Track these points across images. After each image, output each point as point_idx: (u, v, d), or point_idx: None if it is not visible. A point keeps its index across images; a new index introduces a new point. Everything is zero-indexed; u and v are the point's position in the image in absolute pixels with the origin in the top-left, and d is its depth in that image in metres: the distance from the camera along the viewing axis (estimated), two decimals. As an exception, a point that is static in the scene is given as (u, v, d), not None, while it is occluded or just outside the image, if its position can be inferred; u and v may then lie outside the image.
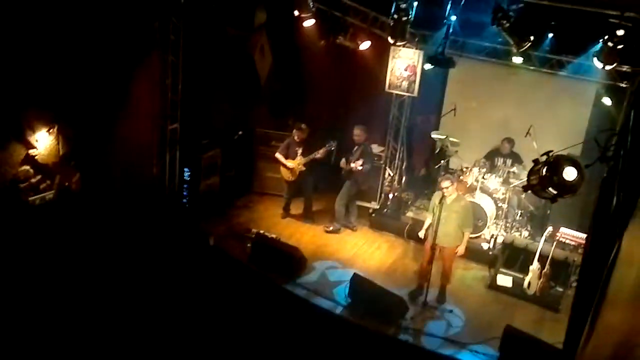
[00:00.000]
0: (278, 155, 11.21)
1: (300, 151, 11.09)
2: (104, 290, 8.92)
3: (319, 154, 10.95)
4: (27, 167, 8.59)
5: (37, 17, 8.03)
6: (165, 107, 10.28)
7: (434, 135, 11.81)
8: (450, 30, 9.56)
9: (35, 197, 8.75)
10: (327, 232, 11.20)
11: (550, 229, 9.55)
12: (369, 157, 11.11)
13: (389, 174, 12.28)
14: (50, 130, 8.79)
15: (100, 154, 9.59)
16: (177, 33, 9.96)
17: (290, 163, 11.12)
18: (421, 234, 9.28)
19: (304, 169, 11.11)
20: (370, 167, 11.03)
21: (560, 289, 9.53)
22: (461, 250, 9.06)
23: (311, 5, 9.85)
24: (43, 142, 8.70)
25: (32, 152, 8.59)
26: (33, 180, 8.71)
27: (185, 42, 10.10)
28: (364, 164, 10.73)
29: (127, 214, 10.07)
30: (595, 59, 8.79)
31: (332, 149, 11.01)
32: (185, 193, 11.28)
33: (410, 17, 9.52)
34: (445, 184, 8.75)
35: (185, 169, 11.15)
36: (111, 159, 9.76)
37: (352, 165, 10.76)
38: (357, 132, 10.91)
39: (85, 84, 8.95)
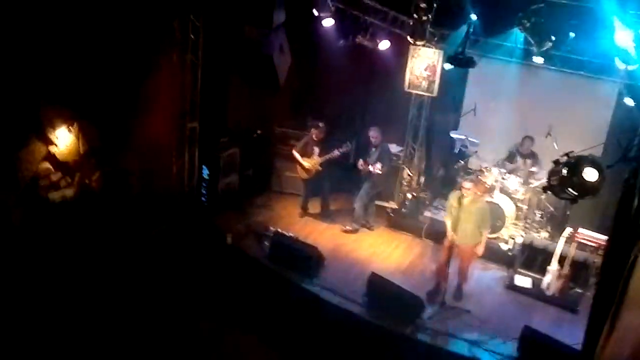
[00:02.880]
0: (295, 152, 11.22)
1: (317, 150, 11.10)
2: (122, 287, 9.02)
3: (335, 154, 10.96)
4: (48, 164, 8.66)
5: (58, 15, 8.10)
6: (184, 106, 10.35)
7: (453, 135, 11.75)
8: (471, 30, 9.51)
9: (56, 194, 8.81)
10: (345, 232, 11.20)
11: (569, 229, 9.47)
12: (388, 158, 11.07)
13: (408, 174, 12.25)
14: (71, 128, 8.86)
15: (120, 152, 9.66)
16: (197, 32, 10.03)
17: (306, 162, 11.13)
18: (450, 236, 9.03)
19: (320, 168, 11.12)
20: (386, 168, 10.97)
21: (580, 290, 9.45)
22: (480, 250, 9.03)
23: (330, 5, 9.85)
24: (63, 139, 8.77)
25: (52, 149, 8.65)
26: (53, 177, 8.78)
27: (204, 42, 10.16)
28: (383, 166, 10.72)
29: (147, 212, 10.14)
30: (617, 59, 8.72)
31: (349, 150, 11.01)
32: (204, 191, 11.33)
33: (430, 16, 9.50)
34: (467, 185, 8.73)
35: (204, 167, 11.21)
36: (131, 157, 9.83)
37: (371, 168, 10.74)
38: (373, 134, 10.88)
39: (106, 82, 9.02)
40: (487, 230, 9.11)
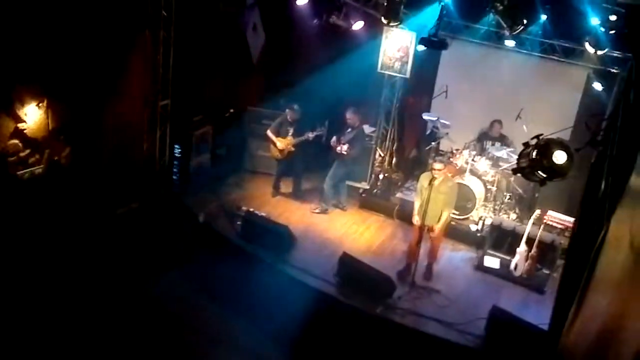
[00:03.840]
0: (269, 132, 11.19)
1: (291, 131, 11.08)
2: (92, 265, 8.98)
3: (309, 137, 10.96)
4: (16, 141, 8.54)
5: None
6: (156, 83, 10.26)
7: (425, 117, 11.82)
8: (444, 12, 9.54)
9: (24, 171, 8.71)
10: (314, 212, 11.23)
11: (538, 212, 9.60)
12: (360, 141, 11.07)
13: (380, 155, 12.31)
14: (40, 104, 8.73)
15: (90, 128, 9.55)
16: (169, 9, 9.91)
17: (280, 143, 11.11)
18: (415, 220, 9.20)
19: (293, 149, 11.10)
20: (358, 152, 10.98)
21: (547, 272, 9.60)
22: (438, 228, 9.09)
23: (305, -16, 9.82)
24: (32, 116, 8.64)
25: (21, 125, 8.53)
26: (22, 154, 8.66)
27: (177, 18, 10.05)
28: (351, 148, 10.71)
29: (117, 190, 10.08)
30: (587, 43, 8.83)
31: (322, 133, 11.02)
32: (175, 170, 11.27)
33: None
34: (437, 166, 8.80)
35: (176, 146, 11.14)
36: (101, 134, 9.73)
37: (338, 148, 10.76)
38: (350, 116, 10.85)
39: (76, 58, 8.89)
40: (450, 211, 9.21)
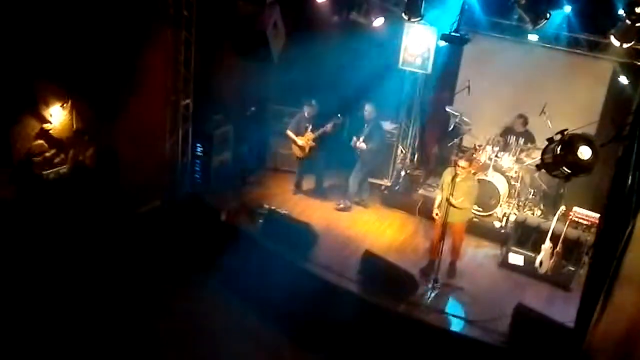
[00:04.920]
0: (288, 131, 11.23)
1: (310, 127, 11.07)
2: (117, 264, 9.03)
3: (327, 128, 10.95)
4: (42, 141, 8.63)
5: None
6: (177, 83, 10.29)
7: (448, 109, 11.68)
8: (466, 7, 9.45)
9: (50, 171, 8.79)
10: (338, 209, 11.20)
11: (563, 208, 9.50)
12: (379, 134, 11.04)
13: (401, 151, 12.25)
14: (64, 105, 8.81)
15: (113, 128, 9.61)
16: (190, 8, 9.93)
17: (300, 140, 11.12)
18: (435, 214, 9.22)
19: (314, 144, 11.10)
20: (377, 145, 10.95)
21: (572, 268, 9.48)
22: (459, 225, 9.15)
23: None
24: (57, 116, 8.73)
25: (46, 126, 8.62)
26: (47, 154, 8.75)
27: (198, 18, 10.07)
28: (367, 141, 10.70)
29: (140, 189, 10.12)
30: (612, 36, 8.69)
31: (339, 123, 11.00)
32: (197, 168, 11.32)
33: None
34: (462, 163, 8.72)
35: (198, 145, 11.18)
36: (124, 134, 9.78)
37: (351, 143, 10.78)
38: (367, 109, 10.86)
39: (99, 58, 8.94)
40: (470, 207, 9.20)
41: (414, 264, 9.36)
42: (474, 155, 11.05)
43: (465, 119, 11.34)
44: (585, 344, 4.94)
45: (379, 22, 10.48)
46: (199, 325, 8.51)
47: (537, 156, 9.91)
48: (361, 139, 10.73)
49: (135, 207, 10.10)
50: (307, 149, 11.14)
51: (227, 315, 8.87)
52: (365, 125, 10.92)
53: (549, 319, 7.78)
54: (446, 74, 12.09)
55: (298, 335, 8.48)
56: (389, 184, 12.02)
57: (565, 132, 6.28)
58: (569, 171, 6.15)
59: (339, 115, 10.98)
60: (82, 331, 7.79)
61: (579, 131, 6.74)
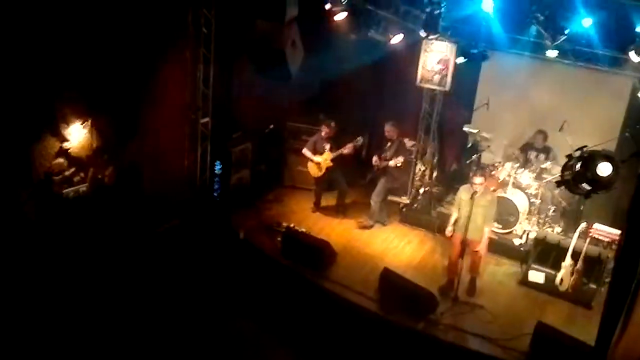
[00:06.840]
0: (305, 150, 11.24)
1: (328, 147, 11.08)
2: (134, 283, 9.05)
3: (347, 149, 10.94)
4: (61, 160, 8.69)
5: (72, 9, 8.11)
6: (196, 100, 10.36)
7: (465, 128, 11.66)
8: (484, 24, 9.45)
9: (70, 189, 8.85)
10: (361, 227, 11.17)
11: (583, 224, 9.40)
12: (405, 152, 11.04)
13: (420, 169, 12.22)
14: (84, 124, 8.89)
15: (132, 147, 9.68)
16: (209, 26, 10.02)
17: (317, 158, 11.12)
18: (448, 231, 9.20)
19: (331, 164, 11.09)
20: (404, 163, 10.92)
21: (593, 286, 9.38)
22: (482, 248, 9.01)
23: (342, -1, 9.80)
24: (76, 135, 8.79)
25: (65, 145, 8.69)
26: (67, 173, 8.81)
27: (217, 36, 10.15)
28: (400, 159, 10.68)
29: (159, 208, 10.16)
30: (631, 52, 8.64)
31: (360, 144, 11.01)
32: (216, 186, 11.36)
33: (442, 9, 9.44)
34: (478, 180, 8.69)
35: (217, 163, 11.23)
36: (143, 152, 9.84)
37: (392, 162, 10.66)
38: (389, 129, 10.86)
39: (119, 77, 9.03)
40: (490, 227, 9.13)
41: (433, 282, 9.30)
42: (493, 172, 11.00)
43: (484, 134, 11.29)
44: (606, 363, 4.87)
45: (397, 39, 10.49)
46: (212, 341, 8.52)
47: (557, 172, 9.84)
48: (397, 158, 10.65)
49: (155, 226, 10.14)
50: (323, 168, 11.14)
51: (241, 332, 8.85)
52: (389, 143, 10.91)
53: (569, 337, 7.69)
54: (464, 91, 12.06)
55: (317, 353, 8.45)
56: (407, 201, 11.98)
57: (585, 149, 6.24)
58: (589, 188, 6.10)
59: (359, 137, 10.96)
60: (100, 349, 7.82)
61: (598, 147, 6.69)
